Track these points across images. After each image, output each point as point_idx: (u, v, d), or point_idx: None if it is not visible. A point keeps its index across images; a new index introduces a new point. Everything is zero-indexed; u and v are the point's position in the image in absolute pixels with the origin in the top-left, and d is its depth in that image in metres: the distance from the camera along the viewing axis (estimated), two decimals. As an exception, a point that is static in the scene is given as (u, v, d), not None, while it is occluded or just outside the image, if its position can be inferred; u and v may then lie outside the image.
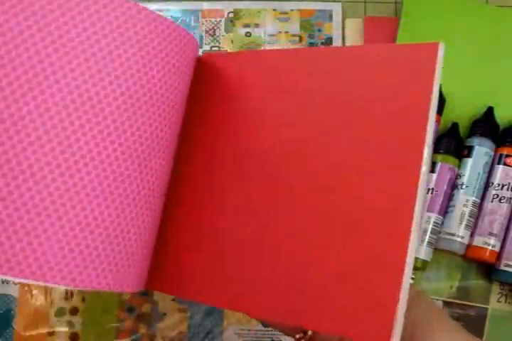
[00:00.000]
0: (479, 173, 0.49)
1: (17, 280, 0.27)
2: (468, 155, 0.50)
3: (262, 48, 0.55)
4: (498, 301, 0.50)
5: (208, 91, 0.36)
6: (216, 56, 0.37)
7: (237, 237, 0.32)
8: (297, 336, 0.32)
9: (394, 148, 0.28)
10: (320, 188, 0.30)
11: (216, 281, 0.32)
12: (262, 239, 0.31)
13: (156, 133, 0.31)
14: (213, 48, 0.56)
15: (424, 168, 0.27)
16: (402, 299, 0.26)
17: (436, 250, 0.50)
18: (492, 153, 0.50)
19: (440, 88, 0.49)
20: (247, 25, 0.56)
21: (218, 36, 0.56)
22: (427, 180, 0.28)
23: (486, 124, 0.50)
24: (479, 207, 0.49)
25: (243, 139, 0.33)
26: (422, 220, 0.47)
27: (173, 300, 0.51)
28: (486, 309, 0.50)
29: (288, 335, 0.33)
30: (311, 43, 0.55)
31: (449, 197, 0.50)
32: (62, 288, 0.28)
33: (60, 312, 0.51)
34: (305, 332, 0.32)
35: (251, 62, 0.34)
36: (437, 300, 0.51)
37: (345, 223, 0.29)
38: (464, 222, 0.49)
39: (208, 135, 0.35)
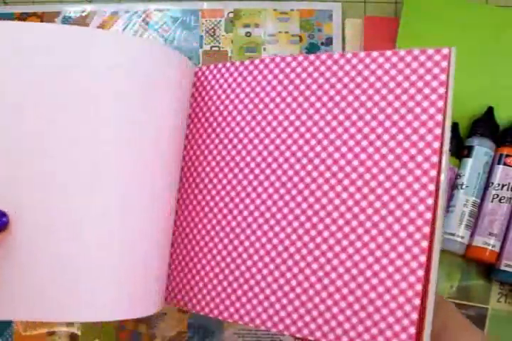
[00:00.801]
0: (479, 173, 0.49)
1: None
2: (468, 155, 0.50)
3: (262, 48, 0.55)
4: (498, 301, 0.50)
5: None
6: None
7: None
8: None
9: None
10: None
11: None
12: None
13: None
14: (213, 48, 0.56)
15: (443, 175, 0.27)
16: (430, 303, 0.26)
17: (436, 250, 0.50)
18: (492, 153, 0.50)
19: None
20: (247, 25, 0.56)
21: (218, 36, 0.56)
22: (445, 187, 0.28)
23: (486, 124, 0.50)
24: (479, 207, 0.49)
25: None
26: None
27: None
28: (486, 309, 0.50)
29: None
30: (311, 43, 0.55)
31: (449, 197, 0.50)
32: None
33: (60, 312, 0.51)
34: None
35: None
36: (437, 300, 0.51)
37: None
38: (464, 222, 0.49)
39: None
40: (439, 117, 0.27)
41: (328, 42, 0.55)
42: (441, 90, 0.28)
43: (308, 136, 0.31)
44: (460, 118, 0.51)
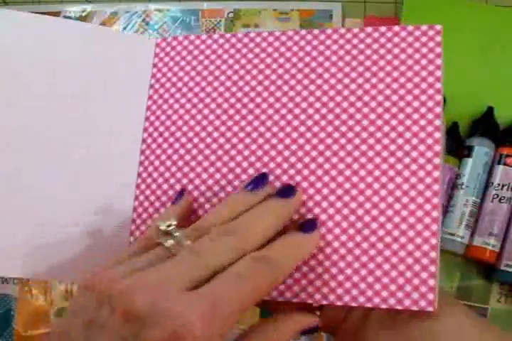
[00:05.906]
0: (479, 173, 0.49)
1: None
2: (469, 155, 0.50)
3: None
4: (498, 301, 0.50)
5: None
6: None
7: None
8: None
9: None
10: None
11: None
12: None
13: None
14: (213, 48, 0.56)
15: (439, 160, 0.28)
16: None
17: (436, 250, 0.50)
18: (492, 153, 0.50)
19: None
20: (247, 25, 0.56)
21: (218, 36, 0.56)
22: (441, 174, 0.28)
23: (486, 124, 0.50)
24: (479, 207, 0.49)
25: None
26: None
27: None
28: (486, 309, 0.50)
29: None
30: (311, 43, 0.55)
31: (449, 197, 0.50)
32: None
33: (60, 312, 0.51)
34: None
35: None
36: (437, 300, 0.51)
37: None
38: (464, 222, 0.49)
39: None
40: (438, 85, 0.29)
41: (328, 42, 0.55)
42: (438, 61, 0.30)
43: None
44: (460, 118, 0.51)
